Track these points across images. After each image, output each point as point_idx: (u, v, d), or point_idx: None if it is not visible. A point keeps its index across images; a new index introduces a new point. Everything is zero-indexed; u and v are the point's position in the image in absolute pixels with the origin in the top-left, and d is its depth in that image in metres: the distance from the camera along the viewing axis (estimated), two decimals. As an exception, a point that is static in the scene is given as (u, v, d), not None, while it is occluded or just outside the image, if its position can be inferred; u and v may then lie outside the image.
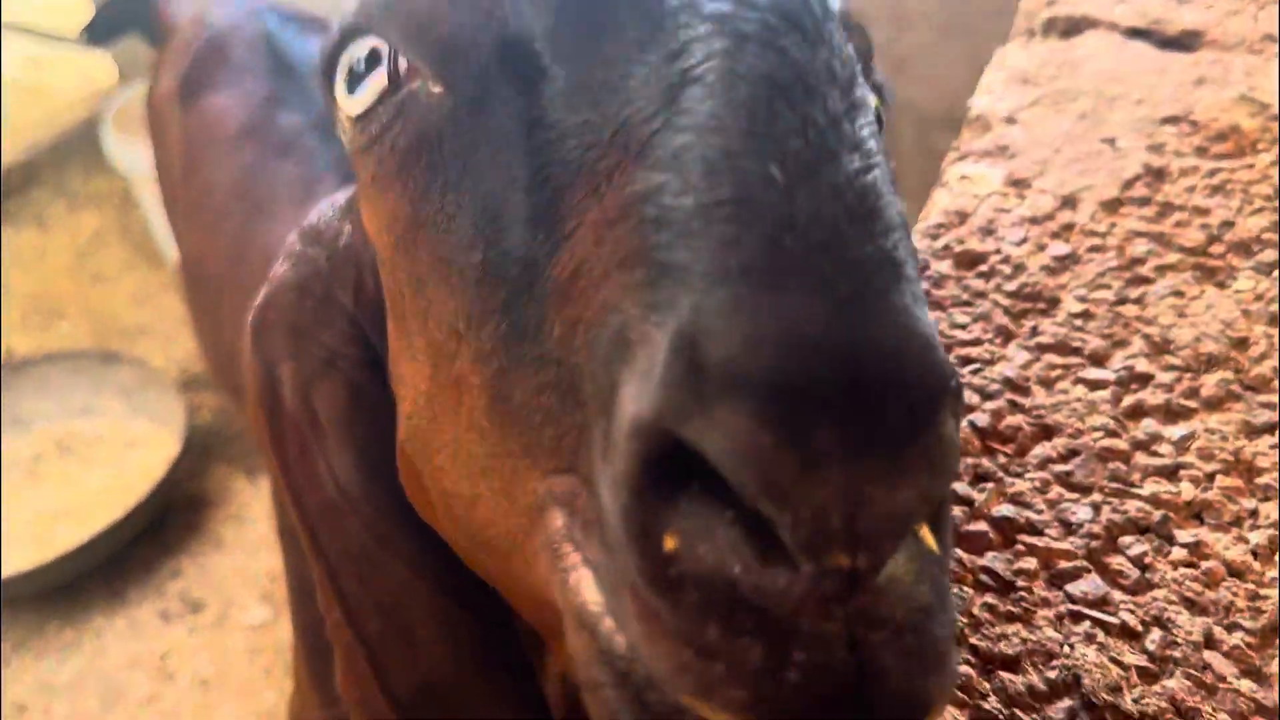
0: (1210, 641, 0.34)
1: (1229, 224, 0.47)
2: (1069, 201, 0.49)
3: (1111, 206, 0.49)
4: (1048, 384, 0.41)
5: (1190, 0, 0.62)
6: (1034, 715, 0.32)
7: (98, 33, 1.96)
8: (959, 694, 0.33)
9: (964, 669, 0.33)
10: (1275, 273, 0.45)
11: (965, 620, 0.35)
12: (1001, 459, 0.39)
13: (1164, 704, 0.32)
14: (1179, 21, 0.60)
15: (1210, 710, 0.32)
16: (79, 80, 3.52)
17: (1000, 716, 0.32)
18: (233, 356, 1.04)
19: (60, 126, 3.23)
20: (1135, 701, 0.32)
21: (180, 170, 1.33)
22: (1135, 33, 0.59)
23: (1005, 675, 0.33)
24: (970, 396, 0.42)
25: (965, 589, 0.36)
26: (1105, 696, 0.32)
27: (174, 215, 1.43)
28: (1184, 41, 0.59)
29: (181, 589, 1.67)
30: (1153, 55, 0.58)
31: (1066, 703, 0.32)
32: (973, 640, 0.34)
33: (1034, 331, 0.43)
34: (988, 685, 0.33)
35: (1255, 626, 0.34)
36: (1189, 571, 0.36)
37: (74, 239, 2.89)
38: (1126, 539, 0.37)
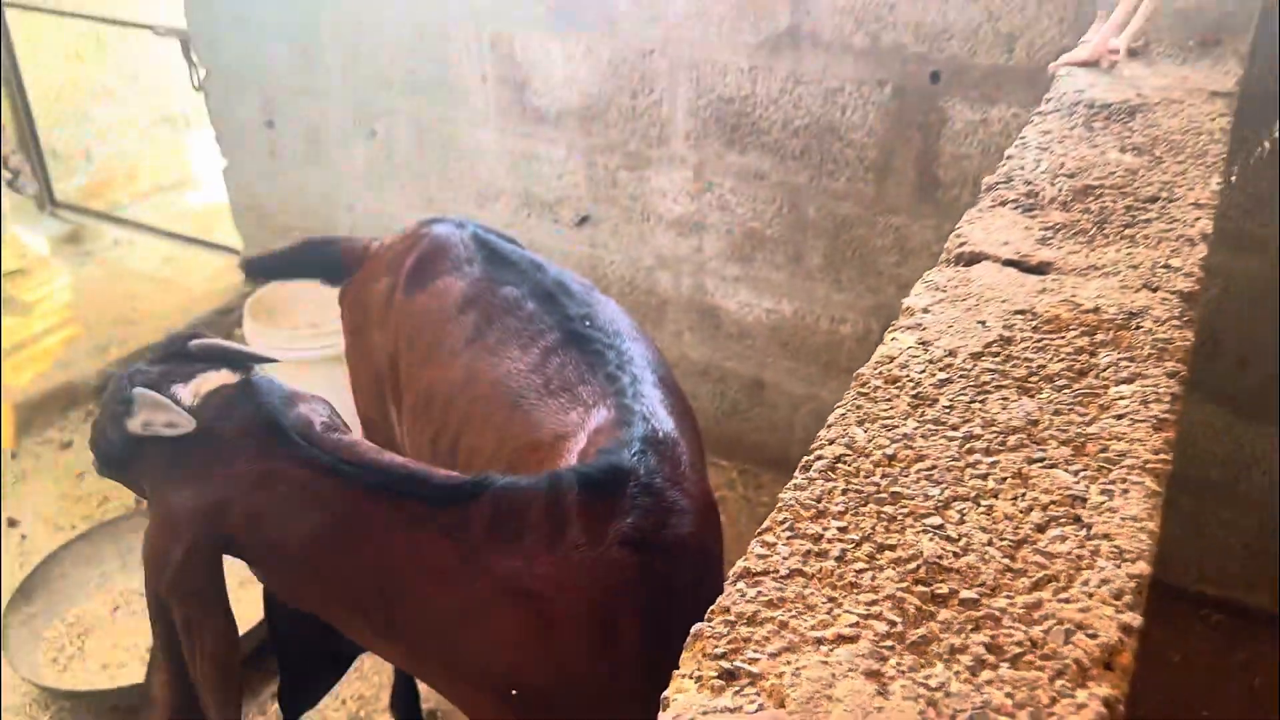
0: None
1: (1043, 366, 0.83)
2: (951, 353, 0.85)
3: (977, 356, 0.85)
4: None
5: (1046, 244, 1.00)
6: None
7: (262, 271, 2.36)
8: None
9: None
10: (1049, 390, 0.79)
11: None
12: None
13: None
14: (1037, 256, 0.98)
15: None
16: (210, 277, 4.06)
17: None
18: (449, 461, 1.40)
19: (193, 315, 3.74)
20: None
21: (405, 342, 1.67)
22: (1009, 262, 0.97)
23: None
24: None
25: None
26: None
27: (383, 384, 1.79)
28: (1039, 268, 0.96)
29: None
30: (1018, 276, 0.95)
31: None
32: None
33: (923, 418, 0.78)
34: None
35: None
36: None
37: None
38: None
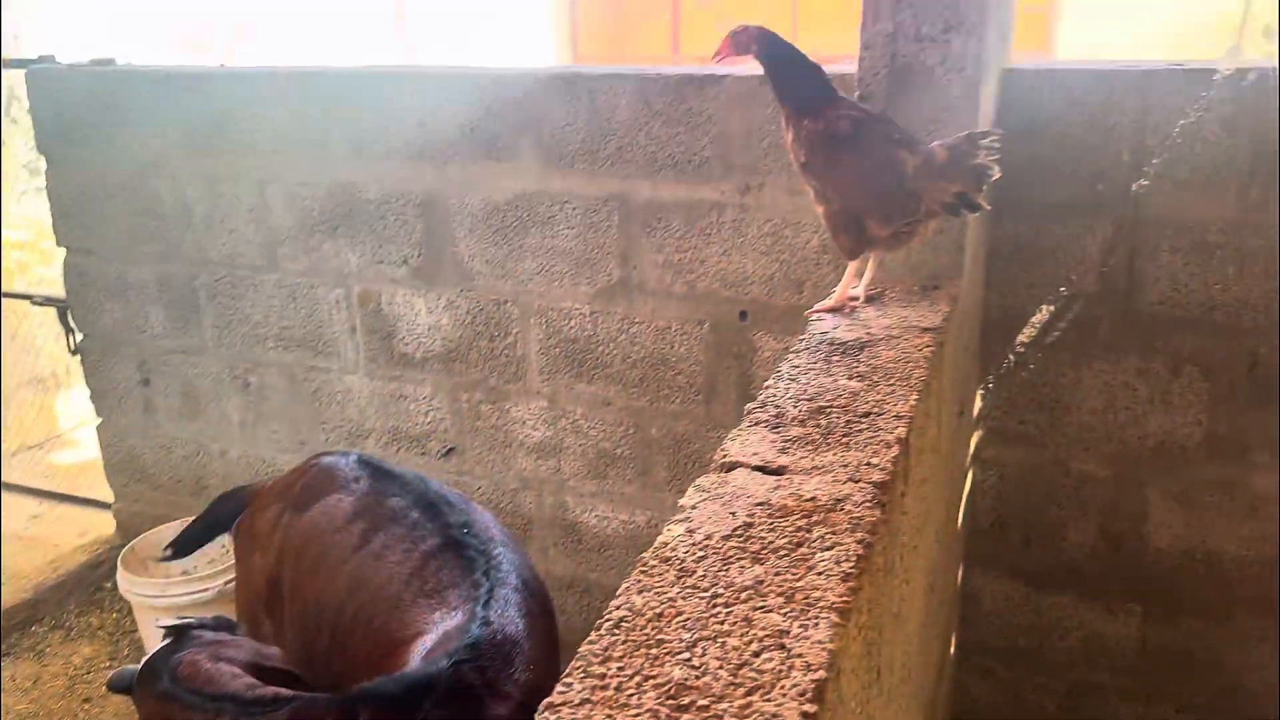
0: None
1: (772, 542, 1.13)
2: (708, 536, 1.15)
3: (726, 537, 1.15)
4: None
5: (784, 453, 1.33)
6: None
7: (190, 546, 2.56)
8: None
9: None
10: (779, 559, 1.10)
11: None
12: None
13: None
14: (777, 462, 1.31)
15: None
16: (79, 533, 4.10)
17: None
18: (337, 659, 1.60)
19: (61, 571, 3.76)
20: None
21: (292, 557, 1.89)
22: (756, 468, 1.29)
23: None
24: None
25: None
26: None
27: (258, 603, 1.97)
28: (777, 471, 1.29)
29: None
30: (762, 477, 1.27)
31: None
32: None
33: (684, 585, 1.07)
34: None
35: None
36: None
37: (67, 666, 3.31)
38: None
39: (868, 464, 1.29)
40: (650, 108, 2.75)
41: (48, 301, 3.90)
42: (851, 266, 1.89)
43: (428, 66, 3.18)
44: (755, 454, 1.34)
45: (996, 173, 1.69)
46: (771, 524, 1.17)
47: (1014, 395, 2.63)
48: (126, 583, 3.09)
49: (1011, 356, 2.60)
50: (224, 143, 3.24)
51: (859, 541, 1.12)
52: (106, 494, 4.07)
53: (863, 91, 2.00)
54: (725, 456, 1.33)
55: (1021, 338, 2.57)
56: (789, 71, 1.80)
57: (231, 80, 3.23)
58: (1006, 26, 2.37)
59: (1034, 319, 2.54)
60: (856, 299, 1.92)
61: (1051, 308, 2.52)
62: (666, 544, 1.14)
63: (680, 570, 1.09)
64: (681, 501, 1.23)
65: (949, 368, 1.92)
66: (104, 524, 4.19)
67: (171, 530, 3.42)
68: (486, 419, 3.22)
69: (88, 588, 3.83)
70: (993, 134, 1.67)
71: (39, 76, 3.46)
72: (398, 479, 1.99)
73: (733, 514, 1.19)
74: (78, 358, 3.82)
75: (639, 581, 1.07)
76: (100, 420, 3.87)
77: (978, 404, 2.65)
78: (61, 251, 3.65)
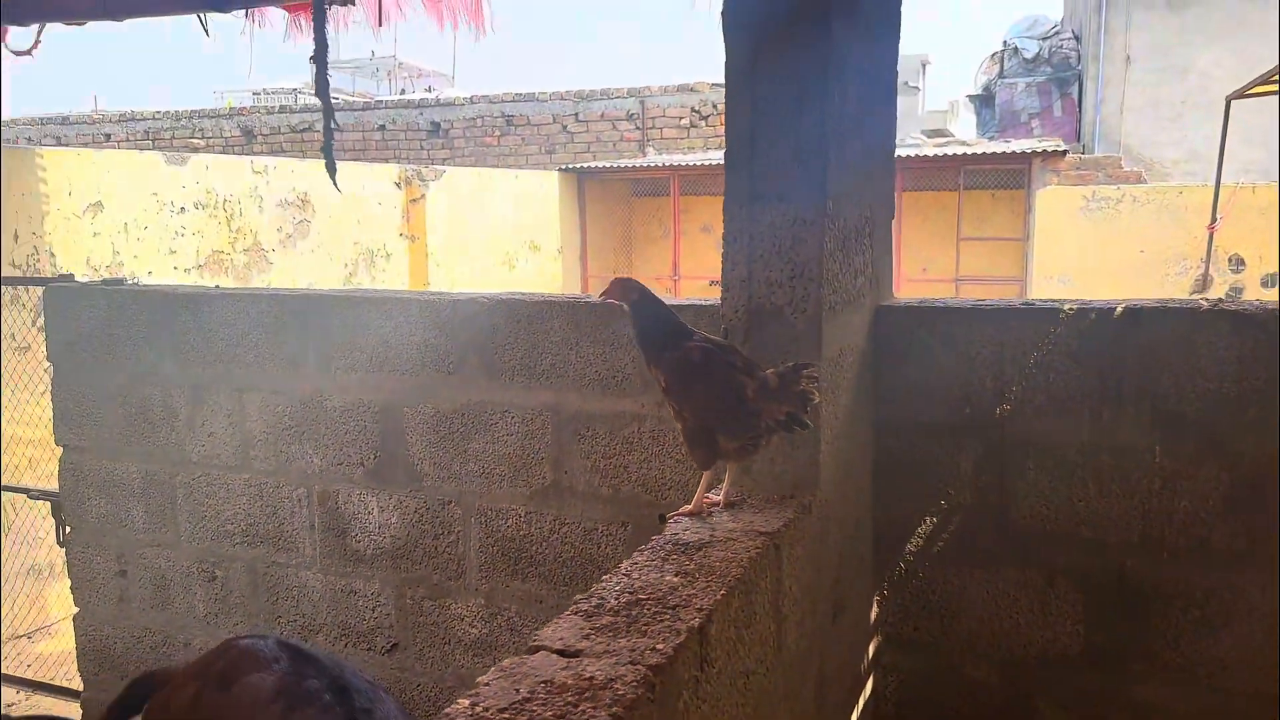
0: None
1: (544, 714, 1.32)
2: (488, 708, 1.34)
3: (502, 710, 1.33)
4: None
5: (587, 639, 1.53)
6: None
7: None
8: None
9: None
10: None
11: None
12: None
13: None
14: (576, 647, 1.50)
15: None
16: None
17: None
18: None
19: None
20: None
21: None
22: (557, 651, 1.49)
23: None
24: None
25: None
26: None
27: None
28: (573, 654, 1.48)
29: None
30: (559, 659, 1.47)
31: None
32: None
33: None
34: None
35: None
36: None
37: None
38: None
39: (652, 649, 1.48)
40: (579, 329, 3.08)
41: (43, 496, 4.19)
42: (705, 476, 2.12)
43: (393, 291, 3.57)
44: (561, 639, 1.53)
45: (817, 397, 1.95)
46: (546, 699, 1.36)
47: (908, 602, 2.79)
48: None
49: (902, 565, 2.77)
50: (210, 355, 3.60)
51: (612, 715, 1.31)
52: (78, 683, 4.20)
53: (726, 326, 2.30)
54: (534, 641, 1.53)
55: (910, 547, 2.75)
56: (651, 319, 2.12)
57: (222, 300, 3.63)
58: (882, 274, 2.70)
59: (919, 530, 2.73)
60: (716, 504, 2.15)
61: (934, 519, 2.71)
62: (450, 716, 1.33)
63: (457, 736, 1.28)
64: (479, 679, 1.43)
65: (800, 569, 2.11)
66: (72, 713, 4.30)
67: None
68: (428, 615, 3.39)
69: (43, 778, 3.91)
70: (812, 365, 1.94)
71: (56, 294, 3.90)
72: (316, 661, 2.17)
73: (517, 690, 1.38)
74: (64, 550, 4.06)
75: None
76: (77, 610, 4.06)
77: (875, 610, 2.80)
78: (60, 450, 3.97)
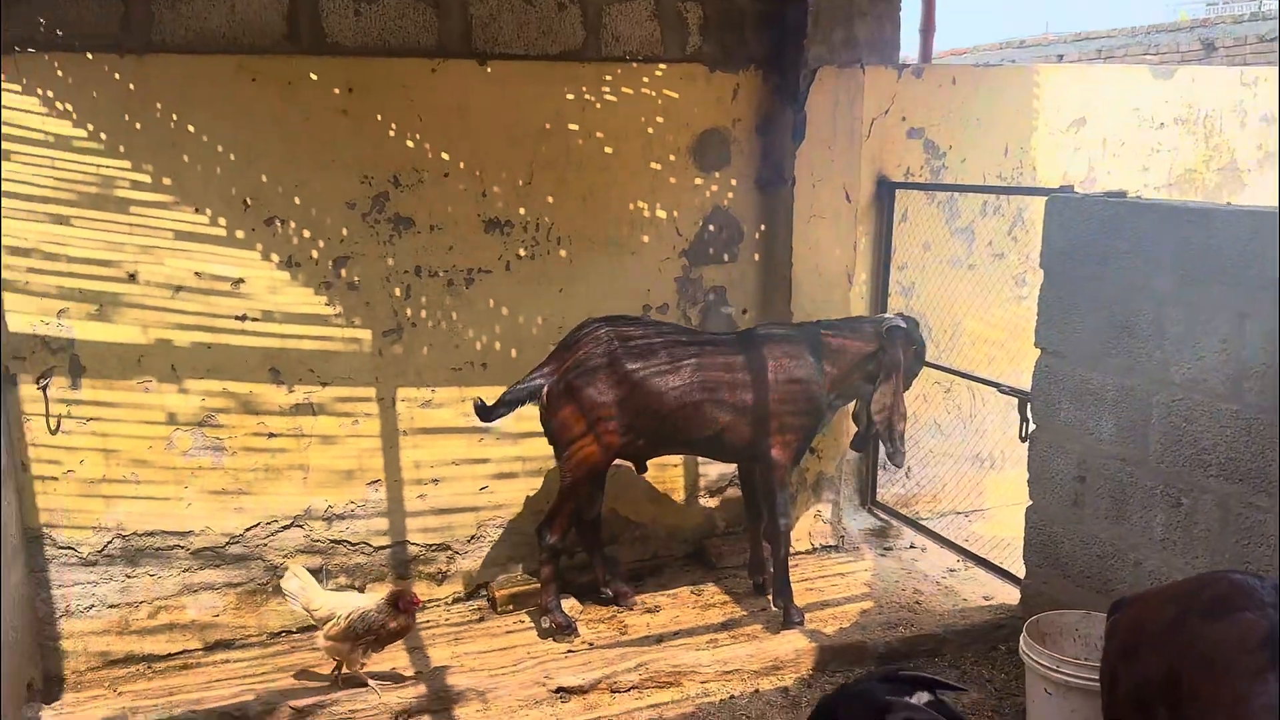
0: None
1: None
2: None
3: None
4: None
5: None
6: None
7: None
8: None
9: None
10: None
11: None
12: None
13: None
14: None
15: None
16: (986, 594, 4.61)
17: None
18: None
19: (968, 621, 4.31)
20: None
21: (1197, 661, 2.03)
22: None
23: None
24: None
25: None
26: None
27: (1129, 700, 2.15)
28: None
29: None
30: None
31: None
32: None
33: None
34: None
35: None
36: None
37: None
38: None
39: None
40: None
41: (1013, 392, 4.52)
42: None
43: None
44: None
45: None
46: None
47: None
48: (1029, 649, 3.45)
49: None
50: (1211, 274, 3.39)
51: None
52: (1017, 568, 4.52)
53: None
54: None
55: None
56: None
57: (1235, 217, 3.36)
58: None
59: None
60: None
61: None
62: None
63: None
64: None
65: None
66: (1008, 594, 4.67)
67: (1073, 617, 3.71)
68: None
69: (986, 643, 4.33)
70: None
71: (1056, 204, 4.07)
72: None
73: None
74: (1025, 445, 4.34)
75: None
76: (1030, 503, 4.33)
77: None
78: (1035, 353, 4.20)
